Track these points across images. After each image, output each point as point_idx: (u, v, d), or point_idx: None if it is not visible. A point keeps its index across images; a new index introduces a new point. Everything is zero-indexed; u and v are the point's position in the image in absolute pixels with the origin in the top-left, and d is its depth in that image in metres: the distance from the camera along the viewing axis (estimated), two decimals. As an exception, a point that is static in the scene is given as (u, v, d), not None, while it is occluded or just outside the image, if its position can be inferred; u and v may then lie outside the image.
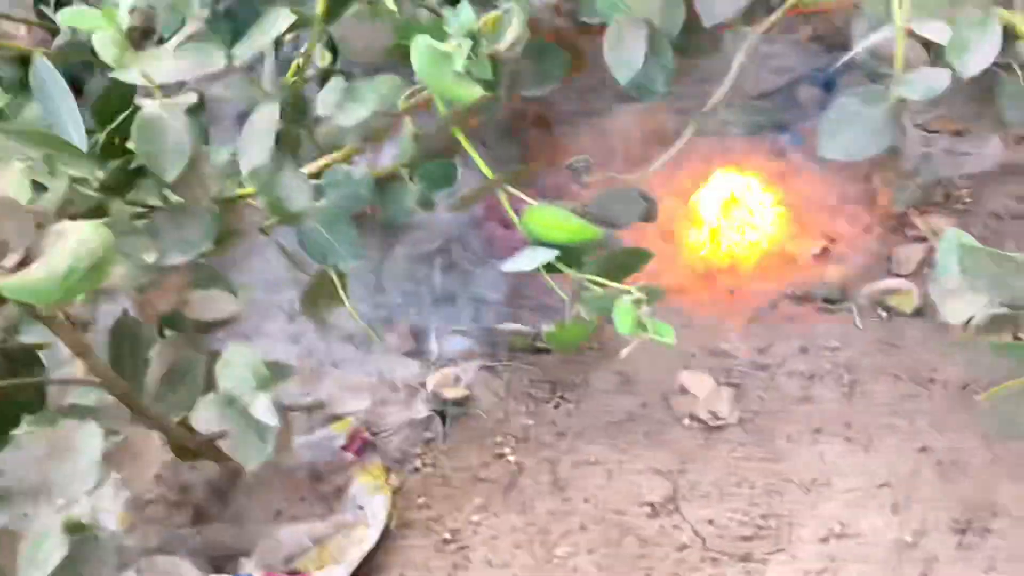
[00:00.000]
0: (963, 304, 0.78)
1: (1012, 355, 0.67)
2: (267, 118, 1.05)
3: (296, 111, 1.15)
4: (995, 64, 0.82)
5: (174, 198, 0.84)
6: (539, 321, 1.25)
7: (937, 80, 0.81)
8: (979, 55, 0.79)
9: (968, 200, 1.30)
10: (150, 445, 0.77)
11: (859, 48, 0.85)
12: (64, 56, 0.98)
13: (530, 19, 1.14)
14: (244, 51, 0.98)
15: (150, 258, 0.78)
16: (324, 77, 1.26)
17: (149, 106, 0.80)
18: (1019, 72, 0.87)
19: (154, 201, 0.84)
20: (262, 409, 0.78)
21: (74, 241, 0.61)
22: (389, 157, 1.30)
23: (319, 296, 1.15)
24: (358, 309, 1.25)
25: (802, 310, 1.15)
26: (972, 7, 0.79)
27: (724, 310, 1.18)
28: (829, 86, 1.45)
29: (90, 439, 0.67)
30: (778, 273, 1.26)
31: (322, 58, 1.25)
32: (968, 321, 0.77)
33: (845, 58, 0.91)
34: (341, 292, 1.11)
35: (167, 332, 0.93)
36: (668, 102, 1.49)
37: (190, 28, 0.96)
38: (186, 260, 0.81)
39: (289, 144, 1.13)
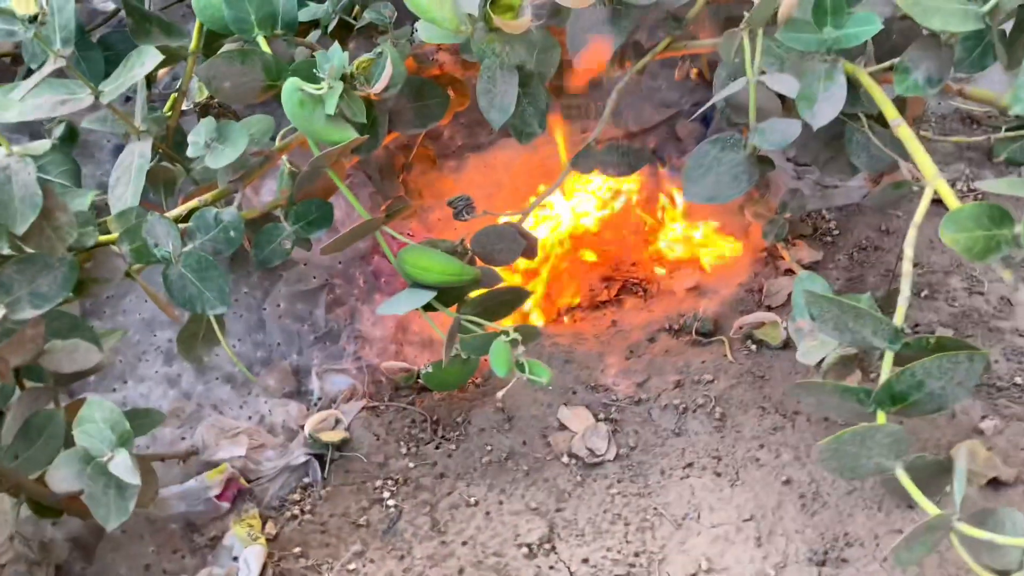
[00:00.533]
0: (816, 345, 0.81)
1: (852, 398, 0.70)
2: (138, 156, 1.03)
3: (172, 147, 1.12)
4: (843, 114, 0.87)
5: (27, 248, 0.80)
6: (424, 357, 1.25)
7: (788, 131, 0.84)
8: (827, 107, 0.83)
9: (836, 232, 1.36)
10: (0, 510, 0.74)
11: (719, 97, 0.88)
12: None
13: (411, 55, 1.15)
14: (112, 89, 0.96)
15: (-1, 314, 0.75)
16: (204, 111, 1.23)
17: (-4, 155, 0.77)
18: (864, 121, 0.91)
19: (5, 251, 0.80)
20: (121, 467, 0.76)
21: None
22: (270, 194, 1.28)
23: (196, 337, 1.13)
24: (237, 349, 1.23)
25: (678, 343, 1.19)
26: (819, 61, 0.84)
27: (604, 344, 1.21)
28: (708, 121, 1.50)
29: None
30: (657, 305, 1.30)
31: (200, 92, 1.23)
32: (821, 361, 0.81)
33: (706, 106, 0.94)
34: (218, 332, 1.08)
35: (27, 384, 0.89)
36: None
37: (50, 66, 0.92)
38: (39, 314, 0.78)
39: (164, 182, 1.11)
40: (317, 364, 1.23)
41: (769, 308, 1.22)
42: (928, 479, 0.69)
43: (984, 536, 0.62)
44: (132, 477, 0.76)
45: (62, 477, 0.79)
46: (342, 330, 1.28)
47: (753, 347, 1.14)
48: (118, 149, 1.22)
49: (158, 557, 0.96)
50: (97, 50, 1.19)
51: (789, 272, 1.27)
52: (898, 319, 0.72)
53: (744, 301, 1.23)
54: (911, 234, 0.75)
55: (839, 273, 1.28)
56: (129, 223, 0.91)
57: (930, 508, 0.66)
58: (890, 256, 1.30)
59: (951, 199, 0.73)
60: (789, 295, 1.24)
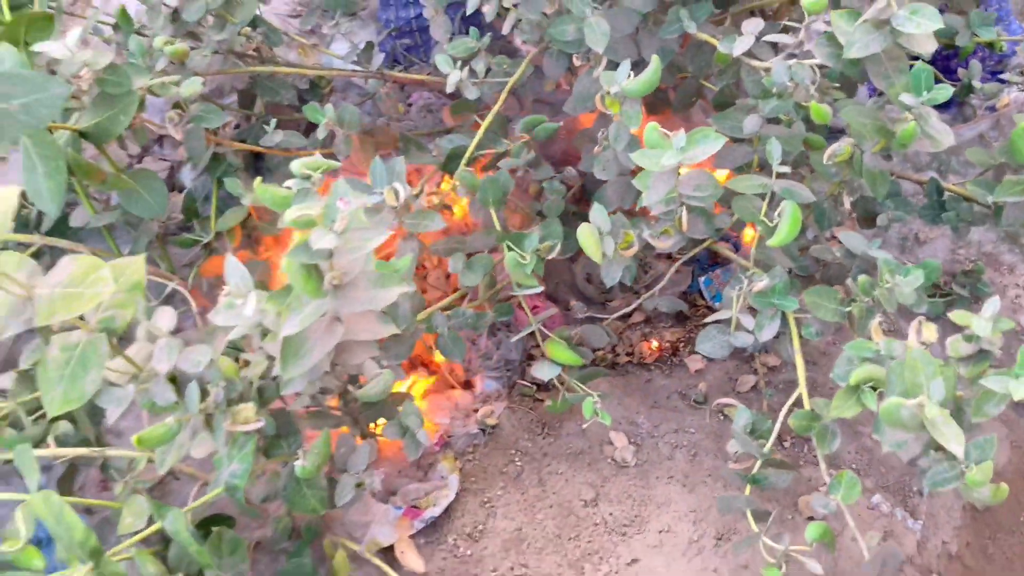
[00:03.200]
0: (735, 442, 1.75)
1: (742, 479, 1.64)
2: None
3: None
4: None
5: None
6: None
7: (747, 340, 1.75)
8: (767, 332, 1.74)
9: (794, 346, 2.27)
10: (374, 448, 1.72)
11: (719, 318, 1.79)
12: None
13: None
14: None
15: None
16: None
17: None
18: (789, 334, 1.82)
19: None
20: (422, 436, 1.73)
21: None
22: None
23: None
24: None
25: (682, 403, 2.13)
26: (769, 309, 1.74)
27: (643, 396, 2.15)
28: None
29: (363, 450, 1.62)
30: (676, 375, 2.24)
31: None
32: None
33: (712, 318, 1.86)
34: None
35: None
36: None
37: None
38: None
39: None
40: (481, 371, 2.20)
41: (739, 393, 2.15)
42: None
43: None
44: (426, 441, 1.72)
45: (392, 431, 1.76)
46: (495, 351, 2.24)
47: (722, 418, 2.08)
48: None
49: (404, 467, 1.95)
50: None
51: (754, 372, 2.20)
52: (767, 447, 1.65)
53: (724, 385, 2.17)
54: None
55: (784, 369, 2.20)
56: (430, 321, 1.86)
57: (754, 528, 1.61)
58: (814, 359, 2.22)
59: (806, 397, 1.65)
60: (752, 386, 2.18)
